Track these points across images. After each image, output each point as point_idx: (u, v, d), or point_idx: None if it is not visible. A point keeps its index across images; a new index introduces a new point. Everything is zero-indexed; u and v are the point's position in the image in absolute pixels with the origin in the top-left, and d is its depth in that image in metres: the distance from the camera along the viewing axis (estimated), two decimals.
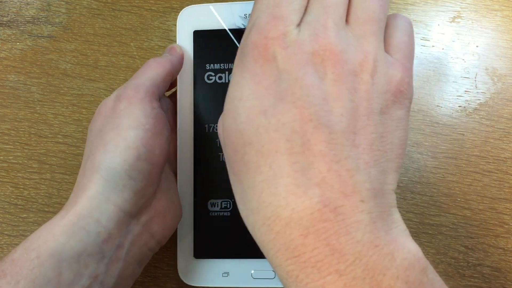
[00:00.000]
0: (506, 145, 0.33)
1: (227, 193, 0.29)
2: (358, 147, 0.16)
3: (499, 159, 0.33)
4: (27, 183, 0.33)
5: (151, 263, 0.31)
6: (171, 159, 0.30)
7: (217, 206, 0.29)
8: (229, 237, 0.29)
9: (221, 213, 0.29)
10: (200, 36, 0.30)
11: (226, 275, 0.29)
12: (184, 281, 0.29)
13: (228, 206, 0.29)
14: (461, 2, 0.36)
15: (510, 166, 0.33)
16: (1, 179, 0.33)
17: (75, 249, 0.22)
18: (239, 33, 0.30)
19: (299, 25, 0.17)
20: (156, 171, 0.25)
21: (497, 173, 0.33)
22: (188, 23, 0.30)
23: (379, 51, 0.18)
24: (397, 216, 0.17)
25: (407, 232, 0.17)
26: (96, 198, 0.23)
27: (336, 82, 0.16)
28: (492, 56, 0.35)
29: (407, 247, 0.16)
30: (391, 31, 0.19)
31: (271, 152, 0.16)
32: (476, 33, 0.35)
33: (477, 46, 0.35)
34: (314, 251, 0.15)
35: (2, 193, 0.33)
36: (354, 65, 0.17)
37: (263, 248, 0.17)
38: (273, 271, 0.29)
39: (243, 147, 0.17)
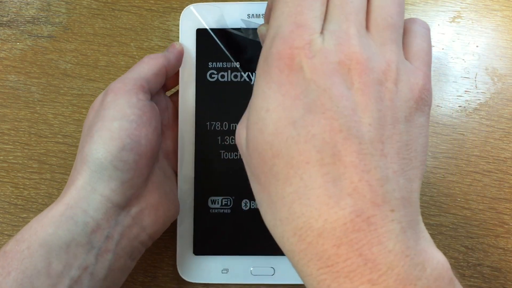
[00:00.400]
0: (506, 145, 0.33)
1: (228, 190, 0.30)
2: (387, 157, 0.16)
3: (499, 159, 0.33)
4: (27, 183, 0.33)
5: (151, 263, 0.32)
6: (170, 156, 0.30)
7: (218, 203, 0.29)
8: (228, 234, 0.29)
9: (221, 210, 0.29)
10: (203, 34, 0.30)
11: (225, 271, 0.29)
12: (183, 277, 0.29)
13: (228, 204, 0.29)
14: (461, 2, 0.36)
15: (510, 166, 0.33)
16: (1, 179, 0.33)
17: (63, 239, 0.22)
18: (241, 32, 0.30)
19: (322, 33, 0.17)
20: (143, 162, 0.25)
21: (497, 173, 0.33)
22: (191, 21, 0.30)
23: (401, 59, 0.18)
24: (422, 225, 0.17)
25: (432, 241, 0.17)
26: (83, 189, 0.23)
27: (363, 92, 0.16)
28: (492, 56, 0.35)
29: (436, 257, 0.16)
30: (410, 37, 0.19)
31: (301, 164, 0.16)
32: (476, 33, 0.35)
33: (477, 46, 0.35)
34: (347, 261, 0.15)
35: (2, 193, 0.33)
36: (378, 73, 0.17)
37: (293, 258, 0.17)
38: (272, 268, 0.29)
39: (272, 159, 0.16)
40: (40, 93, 0.34)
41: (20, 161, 0.33)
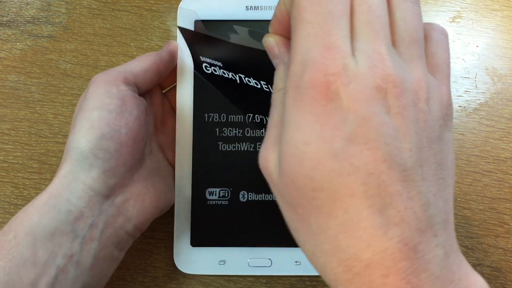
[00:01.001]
0: (506, 145, 0.33)
1: (225, 182, 0.30)
2: (426, 180, 0.16)
3: (499, 159, 0.33)
4: (27, 183, 0.33)
5: (151, 263, 0.32)
6: (165, 149, 0.30)
7: (215, 195, 0.29)
8: (226, 226, 0.29)
9: (219, 202, 0.29)
10: (202, 26, 0.30)
11: (222, 263, 0.29)
12: (180, 269, 0.29)
13: (226, 195, 0.30)
14: (461, 2, 0.36)
15: (510, 166, 0.33)
16: (1, 179, 0.33)
17: (47, 227, 0.23)
18: (240, 24, 0.30)
19: (353, 53, 0.16)
20: (125, 150, 0.25)
21: (497, 173, 0.33)
22: (189, 12, 0.30)
23: (428, 75, 0.17)
24: (457, 246, 0.17)
25: (468, 263, 0.17)
26: (65, 178, 0.24)
27: (402, 116, 0.16)
28: (492, 56, 0.35)
29: (478, 281, 0.16)
30: (431, 47, 0.19)
31: (346, 197, 0.15)
32: (476, 33, 0.35)
33: (477, 46, 0.35)
34: None
35: (2, 193, 0.33)
36: (412, 94, 0.16)
37: (336, 287, 0.17)
38: (269, 259, 0.29)
39: (312, 192, 0.16)
40: (40, 93, 0.34)
41: (20, 161, 0.33)
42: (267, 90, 0.22)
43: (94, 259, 0.24)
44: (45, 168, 0.33)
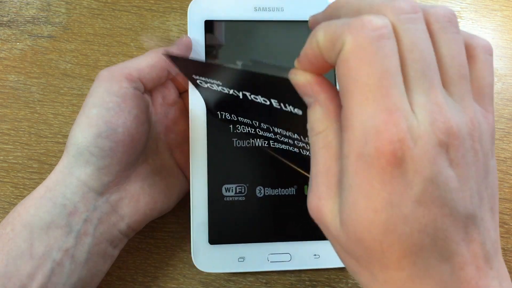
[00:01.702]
0: (506, 145, 0.33)
1: (241, 178, 0.29)
2: (483, 219, 0.17)
3: (499, 159, 0.33)
4: (27, 183, 0.33)
5: (151, 263, 0.32)
6: (174, 149, 0.30)
7: (232, 191, 0.29)
8: (244, 222, 0.29)
9: (236, 198, 0.29)
10: (212, 26, 0.30)
11: (242, 260, 0.29)
12: (199, 268, 0.29)
13: (243, 191, 0.29)
14: (461, 2, 0.36)
15: (510, 166, 0.33)
16: (1, 179, 0.33)
17: (43, 220, 0.23)
18: (250, 24, 0.30)
19: (412, 110, 0.16)
20: (120, 149, 0.25)
21: (497, 173, 0.33)
22: (200, 12, 0.30)
23: (477, 109, 0.17)
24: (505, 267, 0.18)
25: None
26: (61, 172, 0.24)
27: (462, 166, 0.16)
28: None
29: None
30: (477, 71, 0.18)
31: (414, 252, 0.16)
32: (476, 33, 0.35)
33: None
34: None
35: (2, 193, 0.33)
36: (468, 139, 0.16)
37: None
38: (288, 254, 0.29)
39: (381, 253, 0.16)
40: (40, 93, 0.34)
41: (20, 161, 0.33)
42: (278, 107, 0.22)
43: (89, 254, 0.24)
44: (45, 168, 0.33)
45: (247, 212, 0.29)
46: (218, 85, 0.23)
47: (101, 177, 0.25)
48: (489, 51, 0.18)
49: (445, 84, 0.17)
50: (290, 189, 0.30)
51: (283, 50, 0.31)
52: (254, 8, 0.31)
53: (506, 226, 0.32)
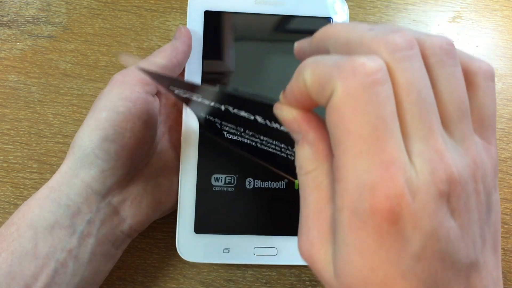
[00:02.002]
0: (506, 145, 0.33)
1: (232, 168, 0.29)
2: (486, 262, 0.16)
3: (499, 159, 0.33)
4: (27, 183, 0.33)
5: (151, 263, 0.32)
6: (178, 149, 0.30)
7: (221, 181, 0.29)
8: (231, 213, 0.29)
9: (225, 188, 0.29)
10: (211, 17, 0.30)
11: (227, 251, 0.28)
12: (183, 257, 0.28)
13: (232, 182, 0.29)
14: (461, 2, 0.36)
15: (510, 166, 0.33)
16: (1, 179, 0.33)
17: (48, 220, 0.23)
18: (249, 16, 0.31)
19: (410, 160, 0.14)
20: (125, 153, 0.25)
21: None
22: (199, 3, 0.31)
23: (480, 147, 0.16)
24: None
25: None
26: (66, 173, 0.24)
27: (464, 213, 0.15)
28: (492, 56, 0.35)
29: None
30: (479, 99, 0.17)
31: None
32: (476, 33, 0.35)
33: (477, 46, 0.35)
34: None
35: (2, 193, 0.33)
36: (471, 182, 0.15)
37: None
38: (275, 248, 0.29)
39: None
40: (40, 93, 0.34)
41: (20, 161, 0.33)
42: (263, 123, 0.21)
43: (92, 255, 0.25)
44: (45, 168, 0.33)
45: (235, 203, 0.29)
46: (197, 97, 0.23)
47: (105, 179, 0.25)
48: (490, 77, 0.17)
49: (444, 123, 0.16)
50: (280, 182, 0.29)
51: (282, 45, 0.31)
52: (255, 1, 0.31)
53: (506, 226, 0.32)
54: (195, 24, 0.30)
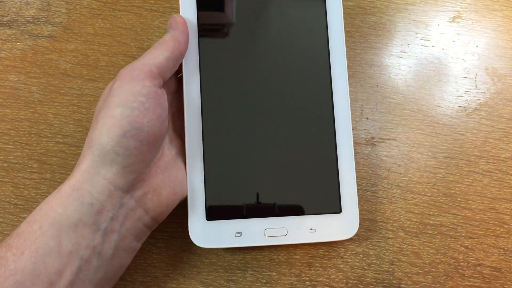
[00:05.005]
0: (506, 145, 0.33)
1: (239, 153, 0.30)
2: None
3: (499, 159, 0.33)
4: (27, 183, 0.33)
5: (151, 263, 0.32)
6: (184, 137, 0.30)
7: (228, 168, 0.30)
8: (240, 198, 0.29)
9: (233, 174, 0.30)
10: (204, 3, 0.30)
11: (238, 235, 0.29)
12: (197, 244, 0.29)
13: (239, 167, 0.30)
14: (461, 2, 0.36)
15: (510, 166, 0.33)
16: (1, 179, 0.33)
17: (71, 218, 0.23)
18: (244, 1, 0.30)
19: None
20: (145, 148, 0.25)
21: (497, 173, 0.33)
22: None
23: None
24: None
25: None
26: (87, 172, 0.25)
27: None
28: (492, 56, 0.35)
29: None
30: None
31: None
32: (476, 33, 0.35)
33: (477, 46, 0.35)
34: None
35: (2, 193, 0.33)
36: None
37: None
38: (285, 228, 0.29)
39: None
40: (40, 93, 0.34)
41: (20, 161, 0.33)
42: None
43: (115, 250, 0.25)
44: (45, 168, 0.33)
45: (243, 187, 0.29)
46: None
47: (127, 175, 0.25)
48: None
49: None
50: (287, 164, 0.30)
51: (276, 28, 0.31)
52: None
53: (506, 226, 0.32)
54: (188, 12, 0.30)
